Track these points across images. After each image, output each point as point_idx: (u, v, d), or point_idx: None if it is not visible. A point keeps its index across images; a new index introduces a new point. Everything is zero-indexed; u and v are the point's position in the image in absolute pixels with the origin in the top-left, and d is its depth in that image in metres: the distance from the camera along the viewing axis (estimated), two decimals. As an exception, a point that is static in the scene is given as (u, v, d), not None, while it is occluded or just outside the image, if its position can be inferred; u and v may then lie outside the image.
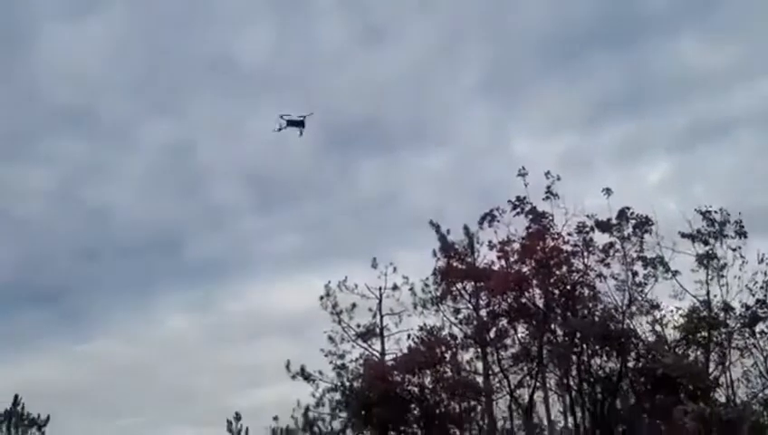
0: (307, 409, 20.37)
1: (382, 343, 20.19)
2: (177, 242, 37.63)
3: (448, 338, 14.50)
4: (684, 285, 14.52)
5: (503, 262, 14.36)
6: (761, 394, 14.35)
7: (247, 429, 24.53)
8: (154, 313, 35.45)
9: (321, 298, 19.62)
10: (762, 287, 13.69)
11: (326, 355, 18.91)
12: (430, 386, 13.10)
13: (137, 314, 34.67)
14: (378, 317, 20.23)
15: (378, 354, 19.93)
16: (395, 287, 19.80)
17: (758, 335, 13.70)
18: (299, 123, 17.21)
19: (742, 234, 14.04)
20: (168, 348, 32.33)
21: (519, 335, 15.24)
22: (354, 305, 19.76)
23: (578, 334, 13.16)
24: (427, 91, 34.38)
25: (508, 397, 15.39)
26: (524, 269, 14.08)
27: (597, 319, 13.26)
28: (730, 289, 13.94)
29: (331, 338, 19.76)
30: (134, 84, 34.49)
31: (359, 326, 20.09)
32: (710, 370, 13.44)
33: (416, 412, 12.62)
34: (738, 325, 13.66)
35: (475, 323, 15.97)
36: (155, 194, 36.68)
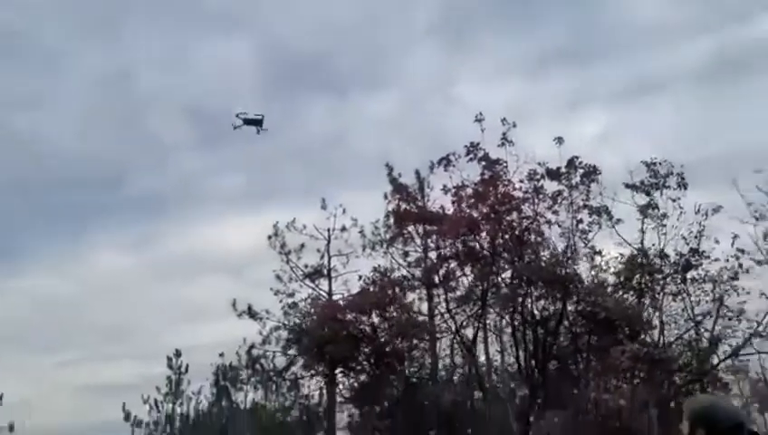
0: (252, 346, 20.62)
1: (329, 284, 20.42)
2: (115, 177, 36.31)
3: (402, 279, 14.77)
4: (625, 233, 15.40)
5: (456, 206, 14.61)
6: (686, 335, 15.59)
7: (187, 365, 24.63)
8: (91, 248, 34.43)
9: (270, 238, 19.58)
10: (695, 237, 14.63)
11: (275, 294, 19.07)
12: (380, 325, 13.37)
13: (73, 250, 33.62)
14: (326, 258, 20.41)
15: (325, 294, 20.19)
16: (343, 229, 19.96)
17: (689, 281, 14.71)
18: (257, 122, 17.01)
19: (683, 185, 14.83)
20: (106, 284, 31.62)
21: (466, 278, 15.69)
22: (303, 246, 19.86)
23: (524, 278, 13.67)
24: (378, 32, 33.81)
25: (452, 336, 16.03)
26: (476, 214, 14.37)
27: (544, 264, 13.81)
28: (667, 238, 14.90)
29: (279, 277, 19.86)
30: (68, 7, 32.23)
31: (306, 267, 20.26)
32: (644, 313, 14.40)
33: (366, 350, 12.89)
34: (672, 272, 14.60)
35: (423, 265, 16.33)
36: (91, 125, 35.03)
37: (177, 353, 25.02)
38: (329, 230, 20.28)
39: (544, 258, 14.06)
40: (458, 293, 15.66)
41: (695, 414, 2.81)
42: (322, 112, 34.25)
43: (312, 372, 15.57)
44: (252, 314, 20.01)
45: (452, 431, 13.29)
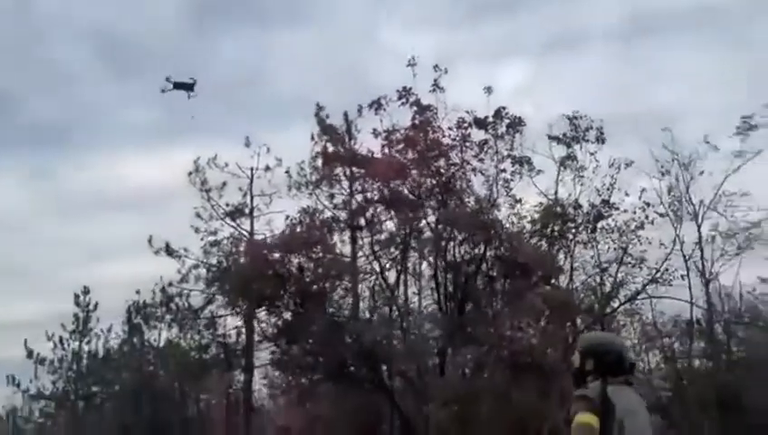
0: (170, 284, 20.22)
1: (252, 224, 20.19)
2: (10, 105, 33.62)
3: (330, 221, 14.84)
4: (542, 183, 16.24)
5: (386, 151, 14.73)
6: (591, 281, 16.89)
7: (96, 303, 23.91)
8: (-17, 179, 32.16)
9: (190, 174, 19.00)
10: (608, 189, 15.68)
11: (195, 232, 18.66)
12: (307, 266, 13.48)
13: (-38, 180, 31.28)
14: (248, 197, 20.11)
15: (246, 234, 19.97)
16: (267, 168, 19.69)
17: (599, 231, 15.81)
18: (188, 86, 16.19)
19: (601, 140, 15.72)
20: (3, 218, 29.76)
21: (391, 222, 15.97)
22: (224, 184, 19.43)
23: (449, 223, 14.12)
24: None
25: (374, 279, 16.42)
26: (405, 159, 14.57)
27: (468, 210, 14.31)
28: (582, 189, 15.88)
29: (199, 215, 19.40)
30: None
31: (228, 205, 19.88)
32: (556, 259, 15.36)
33: (291, 290, 13.00)
34: (584, 222, 15.61)
35: (349, 208, 16.46)
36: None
37: (86, 291, 24.20)
38: (252, 169, 19.93)
39: (469, 205, 14.55)
40: (382, 236, 15.91)
41: (585, 347, 3.20)
42: (244, 46, 32.97)
43: (237, 310, 15.50)
44: (169, 251, 19.50)
45: (373, 368, 13.77)
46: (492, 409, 11.88)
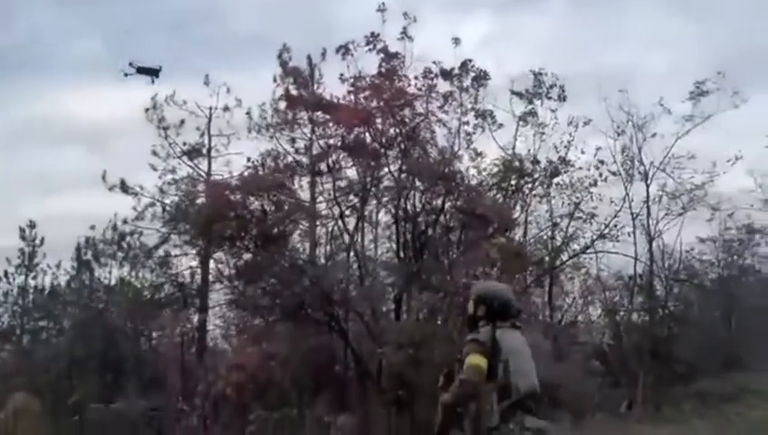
0: (124, 221, 19.90)
1: (209, 164, 19.94)
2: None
3: (294, 164, 14.80)
4: (503, 137, 16.60)
5: (351, 97, 14.68)
6: (542, 234, 17.57)
7: (43, 238, 23.31)
8: None
9: (147, 111, 18.55)
10: (565, 146, 16.15)
11: (153, 169, 18.32)
12: (269, 208, 13.51)
13: None
14: (206, 137, 19.77)
15: (204, 174, 19.72)
16: (226, 109, 19.34)
17: (554, 186, 16.36)
18: (152, 72, 15.64)
19: (562, 97, 16.08)
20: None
21: (353, 169, 16.04)
22: (183, 122, 19.04)
23: (412, 173, 14.31)
24: None
25: (333, 224, 16.59)
26: (371, 106, 14.56)
27: (432, 161, 14.51)
28: (541, 145, 16.31)
29: (155, 153, 19.02)
30: None
31: (185, 144, 19.52)
32: (512, 212, 15.85)
33: (253, 232, 13.05)
34: (541, 177, 16.10)
35: (310, 153, 16.42)
36: None
37: (31, 225, 23.52)
38: (210, 108, 19.56)
39: (432, 156, 14.74)
40: (343, 183, 16.00)
41: (477, 295, 3.60)
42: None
43: (197, 249, 15.45)
44: (124, 188, 19.16)
45: (330, 310, 14.09)
46: (444, 353, 12.36)
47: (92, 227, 20.57)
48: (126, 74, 17.78)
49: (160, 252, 19.94)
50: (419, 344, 12.60)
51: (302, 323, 14.57)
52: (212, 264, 19.17)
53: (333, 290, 13.93)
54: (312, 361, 14.86)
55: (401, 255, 14.86)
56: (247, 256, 13.99)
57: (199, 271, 19.85)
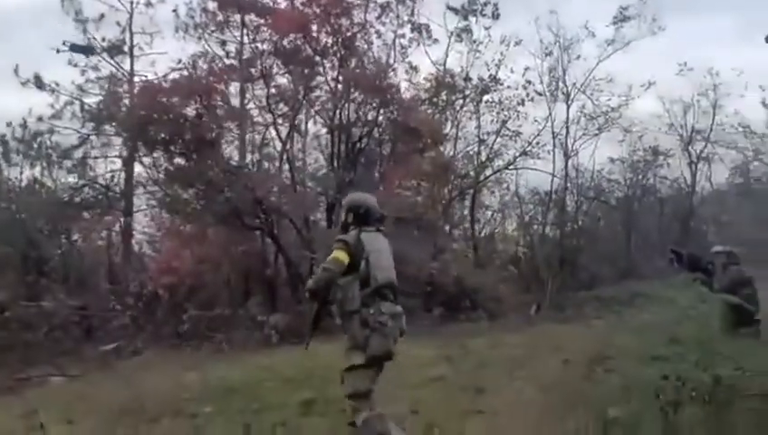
0: (39, 119, 18.97)
1: (131, 63, 19.12)
2: None
3: (229, 68, 14.47)
4: (436, 53, 16.89)
5: (288, 1, 14.34)
6: (469, 149, 18.34)
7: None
8: None
9: (63, 2, 17.47)
10: (496, 65, 16.66)
11: (74, 66, 17.43)
12: (203, 112, 13.36)
13: None
14: (128, 34, 18.83)
15: (126, 74, 18.92)
16: (149, 4, 18.46)
17: (484, 103, 16.97)
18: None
19: (495, 15, 16.38)
20: None
21: (285, 77, 15.90)
22: (102, 16, 18.08)
23: (349, 84, 14.40)
24: None
25: (264, 131, 16.56)
26: (308, 12, 14.30)
27: (368, 72, 14.61)
28: (474, 63, 16.73)
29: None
30: None
31: (104, 40, 18.58)
32: (443, 127, 16.41)
33: (187, 136, 12.94)
34: (471, 94, 16.62)
35: (240, 57, 16.10)
36: None
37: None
38: (132, 3, 18.61)
39: (368, 68, 14.82)
40: (274, 90, 15.87)
41: (347, 204, 4.47)
42: None
43: (122, 151, 15.09)
44: (39, 84, 18.21)
45: (264, 217, 14.38)
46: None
47: (9, 124, 19.46)
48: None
49: (80, 153, 19.37)
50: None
51: (235, 228, 14.78)
52: (136, 168, 18.88)
53: (267, 197, 14.16)
54: (244, 265, 15.26)
55: (334, 164, 15.18)
56: (179, 160, 13.87)
57: (121, 174, 19.47)
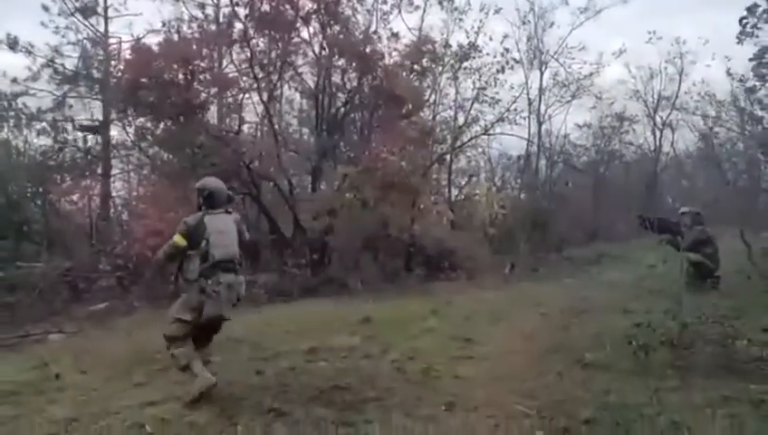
0: (14, 81, 18.77)
1: (106, 24, 18.95)
2: None
3: (214, 31, 14.48)
4: (414, 21, 17.13)
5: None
6: (446, 115, 18.80)
7: None
8: None
9: (34, -42, 17.11)
10: (476, 32, 17.02)
11: (55, 30, 17.23)
12: (193, 77, 13.46)
13: None
14: (101, -7, 18.63)
15: (101, 35, 18.75)
16: (124, -37, 18.25)
17: (463, 70, 17.37)
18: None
19: (473, -18, 16.61)
20: None
21: (263, 41, 15.91)
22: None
23: (334, 50, 14.60)
24: None
25: (246, 97, 16.66)
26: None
27: (353, 39, 14.81)
28: (454, 30, 17.07)
29: (46, 8, 17.82)
30: None
31: (77, 1, 18.37)
32: (424, 93, 16.78)
33: (176, 100, 13.07)
34: (451, 61, 16.99)
35: (218, 21, 16.13)
36: None
37: None
38: (104, -40, 18.38)
39: (353, 34, 15.00)
40: (259, 55, 15.91)
41: (197, 188, 5.07)
42: None
43: (121, 116, 15.07)
44: (12, 44, 17.99)
45: (249, 181, 14.65)
46: (357, 219, 13.57)
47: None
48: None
49: (58, 115, 19.28)
50: (335, 213, 13.67)
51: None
52: (113, 131, 18.90)
53: (254, 161, 14.44)
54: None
55: (319, 130, 15.45)
56: (168, 123, 13.97)
57: (96, 138, 19.46)
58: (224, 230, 4.95)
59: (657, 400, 4.66)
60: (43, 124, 19.80)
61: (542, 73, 20.95)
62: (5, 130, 20.87)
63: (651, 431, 4.07)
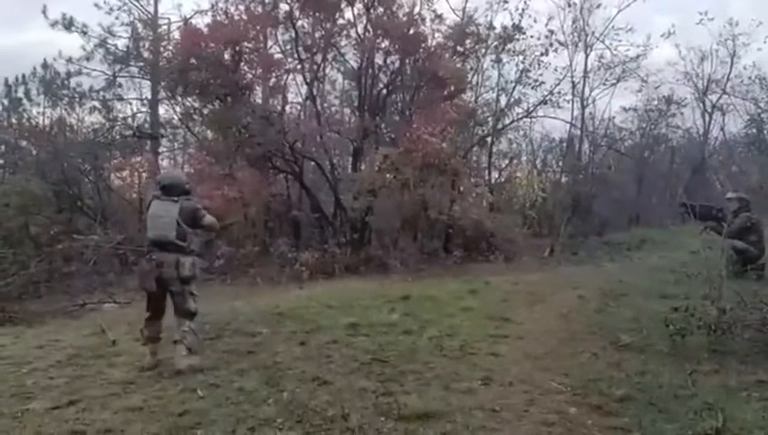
0: (69, 60, 19.38)
1: (156, 5, 19.39)
2: None
3: (262, 13, 14.70)
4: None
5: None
6: (489, 97, 18.73)
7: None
8: None
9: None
10: (520, 14, 16.84)
11: (109, 11, 17.74)
12: (241, 59, 13.75)
13: None
14: (150, -26, 19.02)
15: (151, 16, 19.20)
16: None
17: (507, 51, 17.22)
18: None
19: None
20: None
21: (308, 21, 16.09)
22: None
23: (378, 31, 14.70)
24: None
25: (290, 78, 16.90)
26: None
27: (397, 21, 14.87)
28: (498, 10, 16.97)
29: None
30: None
31: (126, -18, 18.77)
32: (467, 75, 16.75)
33: (223, 82, 13.40)
34: (495, 43, 16.87)
35: (263, 2, 16.32)
36: None
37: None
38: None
39: (397, 16, 15.05)
40: (304, 35, 16.09)
41: (156, 180, 5.90)
42: None
43: (169, 94, 15.52)
44: (68, 25, 18.54)
45: (296, 163, 14.95)
46: (400, 200, 13.76)
47: (45, 66, 19.94)
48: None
49: (110, 94, 19.90)
50: (375, 193, 13.89)
51: (264, 171, 15.38)
52: (161, 109, 19.43)
53: (297, 141, 14.72)
54: (272, 206, 15.92)
55: (362, 111, 15.61)
56: (216, 104, 14.34)
57: (146, 116, 20.04)
58: (160, 215, 5.51)
59: (692, 382, 4.75)
60: (92, 102, 20.46)
61: (587, 56, 20.63)
62: (60, 108, 21.78)
63: (685, 412, 4.15)
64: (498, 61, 17.64)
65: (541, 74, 17.70)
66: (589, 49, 20.54)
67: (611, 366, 5.31)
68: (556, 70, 18.72)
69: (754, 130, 23.14)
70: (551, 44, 17.36)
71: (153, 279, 5.51)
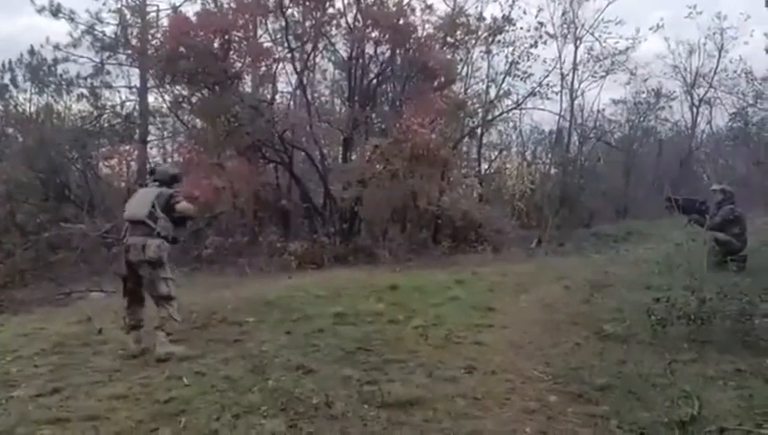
0: (56, 47, 19.16)
1: (145, -7, 19.13)
2: None
3: (252, 4, 14.61)
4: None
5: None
6: (478, 88, 18.72)
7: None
8: None
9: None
10: (509, 6, 16.85)
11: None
12: (230, 47, 13.66)
13: None
14: (137, -40, 18.77)
15: (139, 2, 18.99)
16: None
17: (496, 42, 17.23)
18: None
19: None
20: None
21: (297, 10, 15.99)
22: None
23: (368, 21, 14.64)
24: None
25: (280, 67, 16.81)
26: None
27: (386, 11, 14.80)
28: (488, 2, 16.94)
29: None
30: None
31: (113, -34, 18.52)
32: (456, 66, 16.73)
33: (213, 70, 13.32)
34: (485, 34, 16.85)
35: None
36: None
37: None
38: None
39: (386, 6, 14.99)
40: (294, 26, 16.00)
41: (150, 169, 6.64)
42: None
43: (158, 83, 15.39)
44: (55, 11, 18.31)
45: (286, 153, 14.92)
46: (388, 190, 13.78)
47: (32, 53, 19.69)
48: None
49: (97, 81, 19.71)
50: (365, 183, 13.91)
51: (253, 161, 15.34)
52: (150, 98, 19.28)
53: (286, 131, 14.67)
54: (261, 196, 15.89)
55: (351, 101, 15.58)
56: (204, 92, 14.25)
57: (134, 105, 19.87)
58: (137, 197, 5.70)
59: (671, 371, 4.82)
60: (80, 90, 20.27)
61: (576, 48, 20.69)
62: (47, 95, 21.55)
63: (662, 400, 4.23)
64: (488, 52, 17.68)
65: (530, 66, 17.77)
66: (578, 41, 20.63)
67: (593, 355, 5.38)
68: (545, 62, 18.82)
69: (740, 124, 23.33)
70: (540, 36, 17.43)
71: (123, 263, 5.57)
